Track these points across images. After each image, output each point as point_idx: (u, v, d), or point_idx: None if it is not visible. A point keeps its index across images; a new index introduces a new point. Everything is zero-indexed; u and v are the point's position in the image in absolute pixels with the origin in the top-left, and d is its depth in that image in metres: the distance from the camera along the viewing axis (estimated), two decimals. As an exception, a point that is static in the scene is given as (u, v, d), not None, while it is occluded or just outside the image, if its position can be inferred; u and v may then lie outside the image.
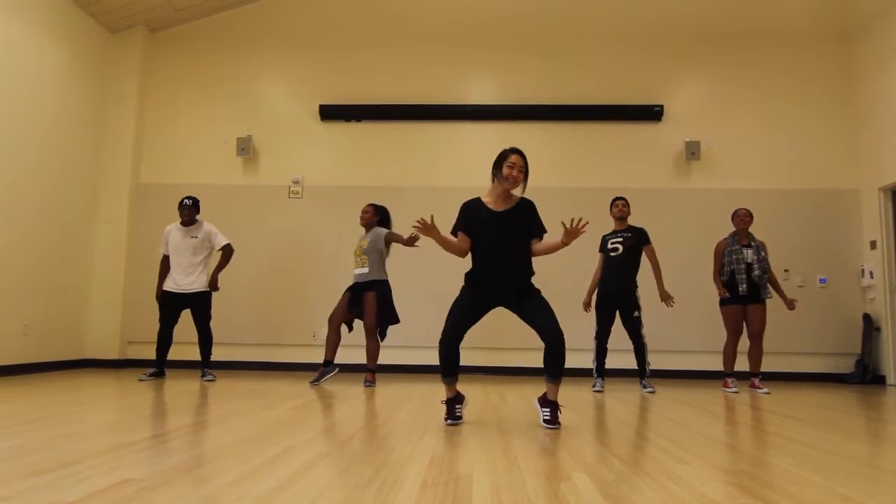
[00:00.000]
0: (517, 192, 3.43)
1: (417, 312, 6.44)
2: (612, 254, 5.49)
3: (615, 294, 5.46)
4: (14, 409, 3.54)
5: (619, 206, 5.58)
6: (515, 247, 3.36)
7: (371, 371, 5.48)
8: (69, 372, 6.35)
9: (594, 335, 5.53)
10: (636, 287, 5.46)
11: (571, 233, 3.20)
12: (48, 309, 6.45)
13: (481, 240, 3.37)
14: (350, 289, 5.57)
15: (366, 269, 5.49)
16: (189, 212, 5.71)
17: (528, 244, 3.40)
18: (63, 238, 6.69)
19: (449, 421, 3.34)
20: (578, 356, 6.83)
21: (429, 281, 6.75)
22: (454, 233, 3.46)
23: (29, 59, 6.18)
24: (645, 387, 5.35)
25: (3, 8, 5.83)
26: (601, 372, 5.49)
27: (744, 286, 5.52)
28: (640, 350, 5.39)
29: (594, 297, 5.60)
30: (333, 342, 5.48)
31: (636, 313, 5.38)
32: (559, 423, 3.24)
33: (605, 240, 5.62)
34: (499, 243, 3.34)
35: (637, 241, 5.49)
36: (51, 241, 6.50)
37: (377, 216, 5.67)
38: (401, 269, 6.16)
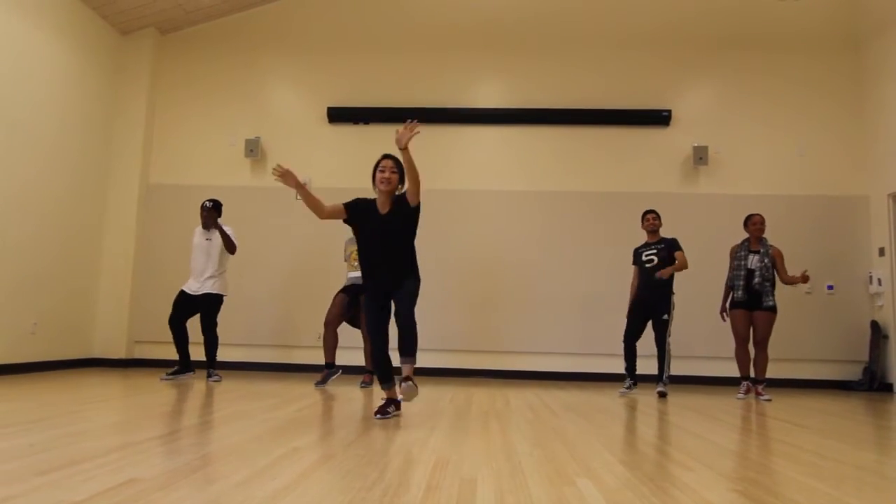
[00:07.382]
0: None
1: (423, 315, 6.42)
2: (648, 265, 5.61)
3: (649, 300, 5.57)
4: (22, 408, 3.57)
5: (650, 220, 5.71)
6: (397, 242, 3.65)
7: (370, 373, 5.50)
8: (76, 371, 6.38)
9: (623, 337, 5.69)
10: (672, 293, 5.56)
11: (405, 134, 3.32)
12: (56, 308, 6.49)
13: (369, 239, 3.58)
14: (345, 291, 5.62)
15: None
16: (206, 213, 5.69)
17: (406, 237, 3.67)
18: (72, 238, 6.73)
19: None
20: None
21: (433, 283, 6.74)
22: (344, 205, 3.59)
23: (39, 59, 6.22)
24: (661, 392, 5.40)
25: (13, 8, 5.88)
26: (631, 373, 5.58)
27: (740, 292, 5.58)
28: (661, 356, 5.47)
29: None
30: (332, 345, 5.58)
31: (665, 316, 5.49)
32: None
33: (638, 253, 5.79)
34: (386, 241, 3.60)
35: (670, 251, 5.58)
36: (60, 241, 6.54)
37: None
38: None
